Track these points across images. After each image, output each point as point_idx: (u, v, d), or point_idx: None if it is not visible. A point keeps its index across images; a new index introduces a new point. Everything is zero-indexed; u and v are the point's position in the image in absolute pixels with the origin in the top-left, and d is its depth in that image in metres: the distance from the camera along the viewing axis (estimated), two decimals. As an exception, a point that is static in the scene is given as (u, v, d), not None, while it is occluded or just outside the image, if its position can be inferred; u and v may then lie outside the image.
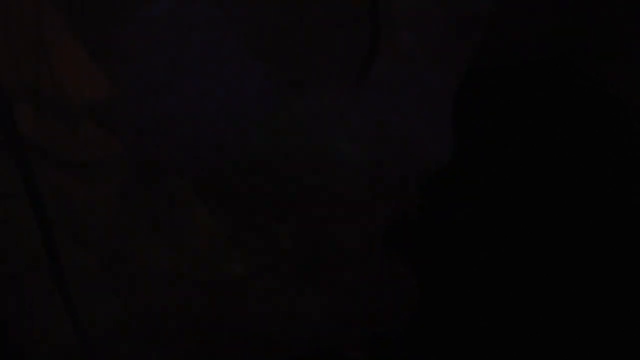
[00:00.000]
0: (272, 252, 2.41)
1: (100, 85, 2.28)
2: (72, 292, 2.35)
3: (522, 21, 2.56)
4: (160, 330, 2.42)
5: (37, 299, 2.37)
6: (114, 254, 2.37)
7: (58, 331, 2.38)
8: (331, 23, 2.31)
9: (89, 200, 2.33)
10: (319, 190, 2.39)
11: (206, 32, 2.29)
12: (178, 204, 2.36)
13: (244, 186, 2.37)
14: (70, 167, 2.32)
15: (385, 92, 2.38)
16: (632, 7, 2.56)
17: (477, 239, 2.64)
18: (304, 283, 2.45)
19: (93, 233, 2.35)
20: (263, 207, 2.38)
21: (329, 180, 2.39)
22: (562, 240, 2.64)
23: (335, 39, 2.32)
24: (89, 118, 2.30)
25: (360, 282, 2.47)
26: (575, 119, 2.68)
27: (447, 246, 2.64)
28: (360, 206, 2.41)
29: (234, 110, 2.33)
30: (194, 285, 2.40)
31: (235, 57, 2.31)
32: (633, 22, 2.59)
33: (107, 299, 2.39)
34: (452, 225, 2.64)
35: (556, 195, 2.66)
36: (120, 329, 2.40)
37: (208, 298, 2.41)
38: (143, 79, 2.29)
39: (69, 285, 2.34)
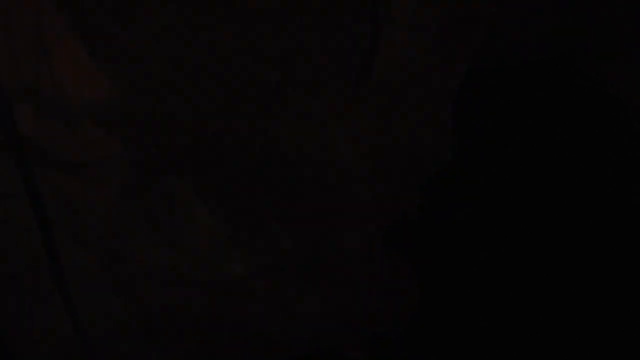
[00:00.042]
0: (272, 252, 2.41)
1: (100, 85, 2.28)
2: (72, 292, 2.35)
3: (522, 21, 2.56)
4: (160, 330, 2.42)
5: (37, 299, 2.37)
6: (114, 254, 2.37)
7: (58, 331, 2.38)
8: (331, 23, 2.31)
9: (89, 200, 2.33)
10: (318, 190, 2.39)
11: (206, 33, 2.29)
12: (178, 204, 2.36)
13: (244, 186, 2.37)
14: (70, 167, 2.32)
15: (385, 92, 2.38)
16: (632, 7, 2.56)
17: (477, 239, 2.64)
18: (304, 283, 2.44)
19: (93, 233, 2.35)
20: (263, 207, 2.38)
21: (328, 180, 2.39)
22: (562, 240, 2.64)
23: (335, 39, 2.32)
24: (89, 118, 2.30)
25: (360, 283, 2.47)
26: (575, 119, 2.68)
27: (447, 246, 2.63)
28: (360, 206, 2.41)
29: (233, 110, 2.33)
30: (194, 285, 2.40)
31: (235, 57, 2.31)
32: (633, 22, 2.59)
33: (107, 299, 2.39)
34: (452, 225, 2.64)
35: (556, 195, 2.66)
36: (120, 329, 2.40)
37: (208, 298, 2.41)
38: (143, 79, 2.29)
39: (69, 285, 2.34)
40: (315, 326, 2.48)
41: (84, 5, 2.24)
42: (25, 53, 2.25)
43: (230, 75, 2.31)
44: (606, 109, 2.69)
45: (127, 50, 2.27)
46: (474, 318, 2.59)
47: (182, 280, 2.39)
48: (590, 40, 2.62)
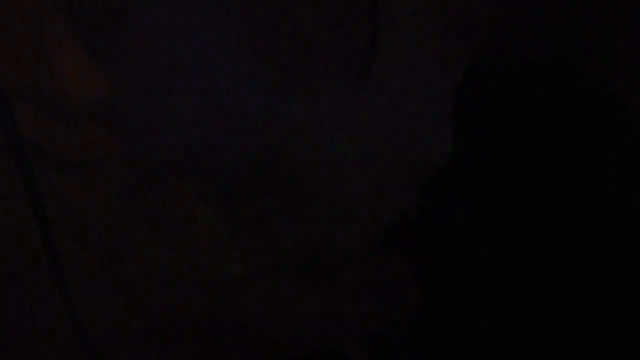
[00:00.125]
0: (272, 252, 2.41)
1: (100, 85, 2.28)
2: (72, 292, 2.35)
3: (522, 21, 2.56)
4: (160, 330, 2.42)
5: (37, 299, 2.37)
6: (114, 254, 2.37)
7: (58, 331, 2.38)
8: (331, 23, 2.31)
9: (89, 200, 2.33)
10: (319, 190, 2.39)
11: (206, 33, 2.29)
12: (178, 204, 2.36)
13: (244, 186, 2.37)
14: (70, 167, 2.32)
15: (385, 92, 2.37)
16: (632, 7, 2.56)
17: (477, 239, 2.64)
18: (304, 283, 2.44)
19: (93, 233, 2.35)
20: (263, 207, 2.38)
21: (329, 180, 2.38)
22: (562, 240, 2.64)
23: (335, 39, 2.32)
24: (89, 118, 2.30)
25: (360, 282, 2.47)
26: (575, 119, 2.68)
27: (447, 246, 2.63)
28: (360, 206, 2.41)
29: (234, 111, 2.33)
30: (194, 285, 2.40)
31: (236, 57, 2.31)
32: (633, 22, 2.59)
33: (107, 299, 2.39)
34: (452, 225, 2.64)
35: (556, 195, 2.66)
36: (120, 329, 2.40)
37: (208, 298, 2.41)
38: (143, 79, 2.29)
39: (69, 285, 2.34)
40: (315, 326, 2.48)
41: (84, 5, 2.24)
42: (25, 53, 2.25)
43: (230, 75, 2.31)
44: (606, 109, 2.69)
45: (127, 50, 2.27)
46: (474, 318, 2.59)
47: (182, 280, 2.39)
48: (590, 40, 2.62)
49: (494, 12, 2.46)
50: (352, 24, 2.32)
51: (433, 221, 2.63)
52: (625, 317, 2.58)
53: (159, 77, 2.29)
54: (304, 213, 2.39)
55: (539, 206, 2.66)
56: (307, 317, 2.46)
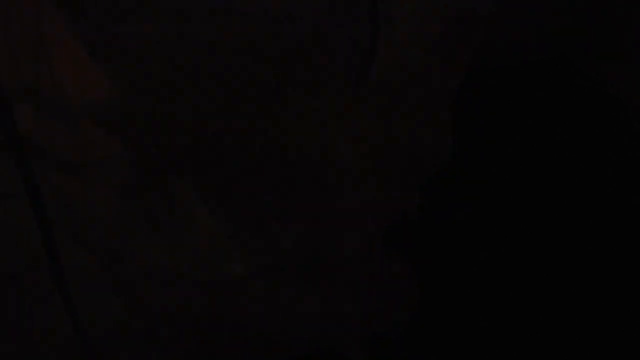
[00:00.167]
0: (272, 252, 2.41)
1: (100, 85, 2.28)
2: (72, 292, 2.34)
3: (522, 21, 2.56)
4: (160, 330, 2.42)
5: (37, 299, 2.37)
6: (114, 254, 2.37)
7: (58, 331, 2.38)
8: (331, 23, 2.31)
9: (89, 200, 2.33)
10: (319, 190, 2.39)
11: (206, 33, 2.29)
12: (178, 204, 2.36)
13: (244, 186, 2.37)
14: (70, 167, 2.32)
15: (385, 92, 2.37)
16: (632, 7, 2.56)
17: (477, 239, 2.64)
18: (304, 283, 2.44)
19: (93, 233, 2.35)
20: (263, 207, 2.38)
21: (328, 180, 2.38)
22: (562, 240, 2.64)
23: (336, 39, 2.32)
24: (89, 118, 2.30)
25: (360, 282, 2.47)
26: (575, 119, 2.68)
27: (447, 246, 2.63)
28: (360, 206, 2.41)
29: (233, 111, 2.33)
30: (194, 285, 2.40)
31: (235, 57, 2.31)
32: (633, 22, 2.58)
33: (107, 299, 2.39)
34: (452, 225, 2.64)
35: (556, 195, 2.66)
36: (120, 329, 2.40)
37: (208, 298, 2.41)
38: (143, 79, 2.29)
39: (69, 285, 2.34)
40: (315, 326, 2.48)
41: (84, 5, 2.24)
42: (25, 53, 2.25)
43: (230, 75, 2.31)
44: (606, 109, 2.69)
45: (127, 50, 2.27)
46: (474, 318, 2.59)
47: (182, 280, 2.39)
48: (590, 40, 2.62)
49: (494, 12, 2.46)
50: (352, 24, 2.32)
51: (433, 221, 2.63)
52: (625, 317, 2.58)
53: (159, 77, 2.29)
54: (304, 213, 2.39)
55: (539, 206, 2.66)
56: (307, 317, 2.46)
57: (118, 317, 2.39)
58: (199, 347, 2.45)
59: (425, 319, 2.60)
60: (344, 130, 2.36)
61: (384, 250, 2.48)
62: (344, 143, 2.37)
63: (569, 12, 2.58)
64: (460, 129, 2.62)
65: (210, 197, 2.36)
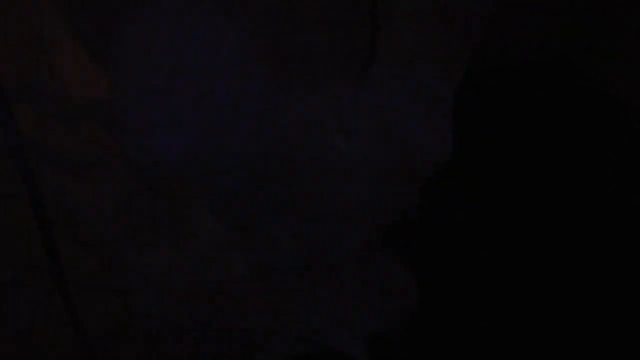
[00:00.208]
0: (272, 252, 2.41)
1: (100, 85, 2.29)
2: (72, 292, 2.35)
3: (522, 21, 2.57)
4: (160, 330, 2.42)
5: (37, 299, 2.37)
6: (114, 254, 2.37)
7: (58, 331, 2.38)
8: (331, 23, 2.32)
9: (89, 200, 2.33)
10: (319, 190, 2.39)
11: (206, 33, 2.29)
12: (178, 204, 2.36)
13: (244, 186, 2.37)
14: (70, 167, 2.32)
15: (385, 92, 2.38)
16: (632, 7, 2.57)
17: (477, 239, 2.64)
18: (304, 283, 2.45)
19: (93, 233, 2.36)
20: (263, 207, 2.38)
21: (328, 180, 2.39)
22: (562, 240, 2.64)
23: (335, 39, 2.32)
24: (89, 118, 2.30)
25: (360, 282, 2.48)
26: (575, 119, 2.68)
27: (447, 246, 2.64)
28: (360, 206, 2.41)
29: (234, 111, 2.33)
30: (194, 285, 2.40)
31: (236, 57, 2.31)
32: (633, 22, 2.59)
33: (107, 299, 2.39)
34: (452, 225, 2.64)
35: (556, 195, 2.66)
36: (120, 329, 2.40)
37: (208, 298, 2.41)
38: (143, 79, 2.30)
39: (69, 285, 2.34)
40: (315, 326, 2.48)
41: (84, 5, 2.25)
42: (25, 53, 2.25)
43: (230, 76, 2.31)
44: (606, 109, 2.69)
45: (127, 50, 2.27)
46: (474, 318, 2.59)
47: (182, 280, 2.39)
48: (590, 40, 2.62)
49: (494, 12, 2.46)
50: (352, 24, 2.32)
51: (433, 221, 2.63)
52: (625, 317, 2.58)
53: (159, 77, 2.29)
54: (304, 213, 2.39)
55: (539, 206, 2.66)
56: (307, 317, 2.46)
57: (118, 317, 2.39)
58: (199, 347, 2.45)
59: (425, 319, 2.60)
60: (343, 129, 2.36)
61: (384, 250, 2.48)
62: (344, 142, 2.37)
63: (569, 12, 2.58)
64: (460, 129, 2.62)
65: (211, 198, 2.37)
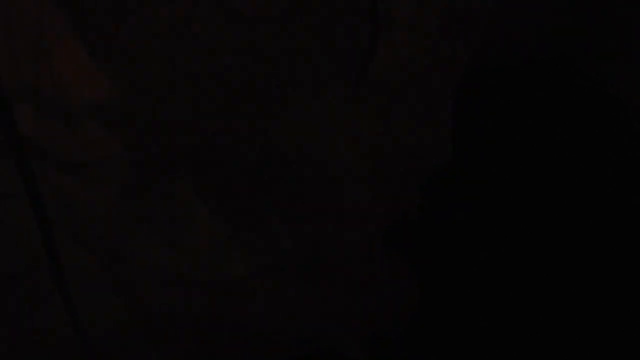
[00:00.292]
0: (272, 252, 2.41)
1: (100, 85, 2.28)
2: (72, 292, 2.35)
3: (522, 21, 2.56)
4: (160, 330, 2.42)
5: (37, 299, 2.37)
6: (114, 254, 2.37)
7: (58, 331, 2.38)
8: (331, 23, 2.31)
9: (89, 200, 2.33)
10: (318, 190, 2.39)
11: (206, 33, 2.29)
12: (178, 204, 2.36)
13: (244, 186, 2.37)
14: (70, 167, 2.32)
15: (384, 92, 2.38)
16: (632, 7, 2.56)
17: (477, 239, 2.64)
18: (304, 283, 2.44)
19: (93, 233, 2.35)
20: (263, 207, 2.38)
21: (328, 180, 2.38)
22: (562, 240, 2.64)
23: (335, 39, 2.32)
24: (89, 118, 2.30)
25: (361, 283, 2.47)
26: (575, 119, 2.68)
27: (447, 246, 2.63)
28: (360, 206, 2.41)
29: (234, 111, 2.33)
30: (194, 285, 2.40)
31: (235, 57, 2.31)
32: (633, 22, 2.59)
33: (107, 299, 2.39)
34: (452, 225, 2.64)
35: (556, 195, 2.66)
36: (120, 329, 2.40)
37: (208, 298, 2.41)
38: (143, 79, 2.29)
39: (69, 285, 2.34)
40: (315, 326, 2.48)
41: (84, 5, 2.24)
42: (25, 53, 2.25)
43: (230, 75, 2.31)
44: (606, 109, 2.69)
45: (127, 50, 2.27)
46: (474, 318, 2.59)
47: (182, 280, 2.39)
48: (590, 40, 2.62)
49: (494, 12, 2.46)
50: (352, 24, 2.32)
51: (433, 221, 2.63)
52: (625, 317, 2.58)
53: (159, 77, 2.29)
54: (304, 213, 2.39)
55: (539, 206, 2.66)
56: (307, 317, 2.46)
57: (118, 317, 2.39)
58: (199, 347, 2.45)
59: (425, 319, 2.59)
60: (344, 130, 2.36)
61: (384, 250, 2.48)
62: (344, 143, 2.37)
63: (569, 12, 2.58)
64: (460, 129, 2.62)
65: (210, 197, 2.36)
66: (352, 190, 2.39)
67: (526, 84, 2.68)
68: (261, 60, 2.31)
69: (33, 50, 2.25)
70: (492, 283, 2.62)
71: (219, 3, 2.28)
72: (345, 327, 2.50)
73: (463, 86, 2.54)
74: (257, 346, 2.48)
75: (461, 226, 2.64)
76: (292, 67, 2.32)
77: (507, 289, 2.61)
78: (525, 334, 2.57)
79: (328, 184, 2.38)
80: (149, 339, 2.43)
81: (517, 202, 2.66)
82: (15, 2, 2.23)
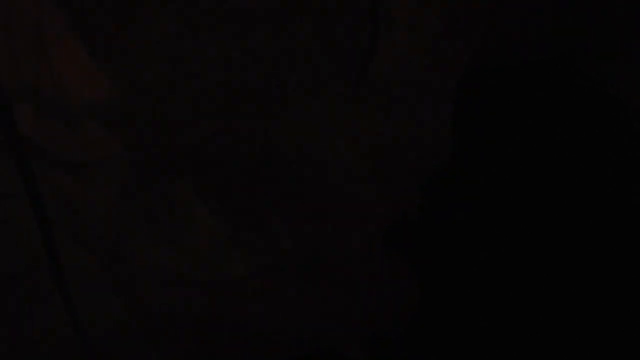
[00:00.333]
0: (272, 252, 2.41)
1: (100, 85, 2.28)
2: (72, 292, 2.35)
3: (522, 21, 2.56)
4: (160, 330, 2.42)
5: (37, 299, 2.37)
6: (114, 254, 2.37)
7: (58, 331, 2.38)
8: (331, 23, 2.31)
9: (89, 200, 2.33)
10: (318, 190, 2.39)
11: (206, 33, 2.29)
12: (178, 204, 2.36)
13: (244, 186, 2.37)
14: (70, 167, 2.32)
15: (384, 92, 2.38)
16: (632, 7, 2.56)
17: (477, 239, 2.64)
18: (304, 283, 2.44)
19: (93, 233, 2.35)
20: (263, 207, 2.38)
21: (328, 180, 2.38)
22: (562, 240, 2.64)
23: (335, 39, 2.32)
24: (89, 118, 2.30)
25: (361, 283, 2.47)
26: (575, 119, 2.68)
27: (447, 246, 2.63)
28: (360, 206, 2.41)
29: (234, 111, 2.33)
30: (194, 285, 2.40)
31: (235, 57, 2.31)
32: (633, 22, 2.59)
33: (107, 299, 2.39)
34: (452, 225, 2.64)
35: (556, 195, 2.66)
36: (120, 329, 2.40)
37: (208, 298, 2.41)
38: (143, 79, 2.29)
39: (69, 285, 2.34)
40: (315, 326, 2.48)
41: (84, 5, 2.24)
42: (25, 53, 2.25)
43: (230, 75, 2.31)
44: (606, 109, 2.69)
45: (127, 50, 2.27)
46: (474, 318, 2.59)
47: (182, 280, 2.39)
48: (590, 40, 2.62)
49: (494, 12, 2.46)
50: (352, 24, 2.32)
51: (433, 221, 2.63)
52: (625, 317, 2.58)
53: (159, 77, 2.29)
54: (304, 213, 2.39)
55: (539, 206, 2.66)
56: (307, 317, 2.46)
57: (118, 317, 2.39)
58: (199, 347, 2.45)
59: (425, 319, 2.59)
60: (344, 130, 2.36)
61: (384, 250, 2.48)
62: (344, 143, 2.37)
63: (569, 12, 2.58)
64: (460, 129, 2.62)
65: (210, 197, 2.36)
66: (352, 190, 2.39)
67: (526, 84, 2.68)
68: (261, 60, 2.31)
69: (33, 50, 2.25)
70: (492, 283, 2.62)
71: (219, 3, 2.28)
72: (345, 327, 2.50)
73: (463, 86, 2.54)
74: (257, 346, 2.48)
75: (461, 226, 2.64)
76: (292, 67, 2.32)
77: (507, 289, 2.61)
78: (525, 334, 2.57)
79: (328, 184, 2.38)
80: (149, 339, 2.43)
81: (517, 202, 2.66)
82: (15, 2, 2.23)
